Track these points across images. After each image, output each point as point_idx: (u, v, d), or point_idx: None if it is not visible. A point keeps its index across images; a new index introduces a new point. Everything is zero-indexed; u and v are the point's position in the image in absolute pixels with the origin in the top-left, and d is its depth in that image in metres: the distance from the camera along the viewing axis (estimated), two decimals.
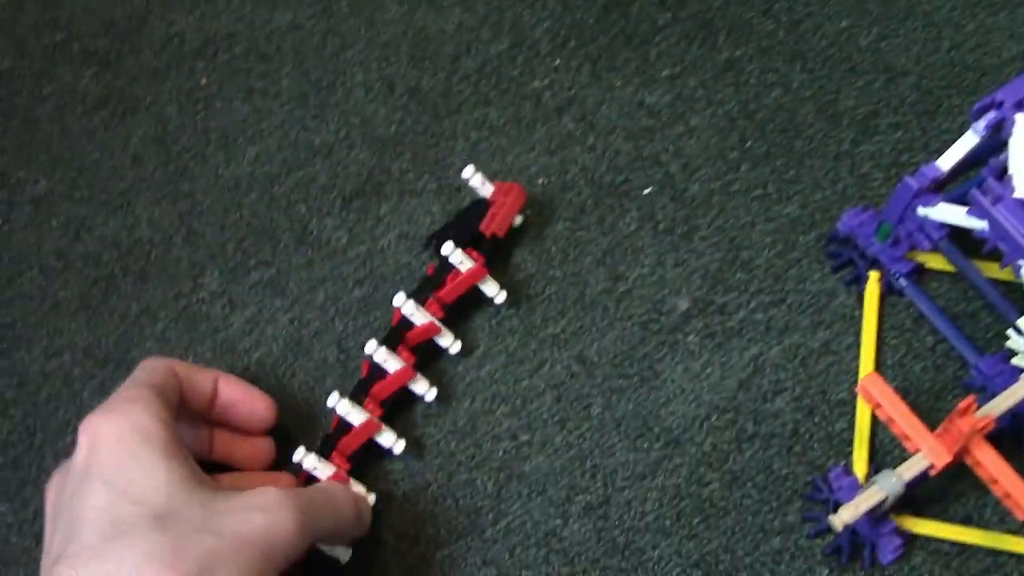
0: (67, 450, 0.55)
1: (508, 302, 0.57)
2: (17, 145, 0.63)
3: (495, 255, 0.57)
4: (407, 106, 0.63)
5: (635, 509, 0.53)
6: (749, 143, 0.61)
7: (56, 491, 0.45)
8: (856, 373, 0.55)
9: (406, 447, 0.53)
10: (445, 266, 0.55)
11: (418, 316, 0.54)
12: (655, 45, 0.64)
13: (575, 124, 0.62)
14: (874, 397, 0.49)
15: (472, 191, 0.57)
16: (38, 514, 0.54)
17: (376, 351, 0.53)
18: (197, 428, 0.51)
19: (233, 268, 0.59)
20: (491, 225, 0.56)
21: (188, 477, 0.43)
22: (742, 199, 0.60)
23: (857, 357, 0.56)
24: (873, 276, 0.57)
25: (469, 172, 0.55)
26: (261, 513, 0.42)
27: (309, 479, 0.51)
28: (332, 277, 0.59)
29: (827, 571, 0.52)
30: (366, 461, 0.53)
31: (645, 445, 0.55)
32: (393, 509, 0.53)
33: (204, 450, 0.51)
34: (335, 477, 0.51)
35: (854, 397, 0.55)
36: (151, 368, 0.48)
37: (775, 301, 0.57)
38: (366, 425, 0.51)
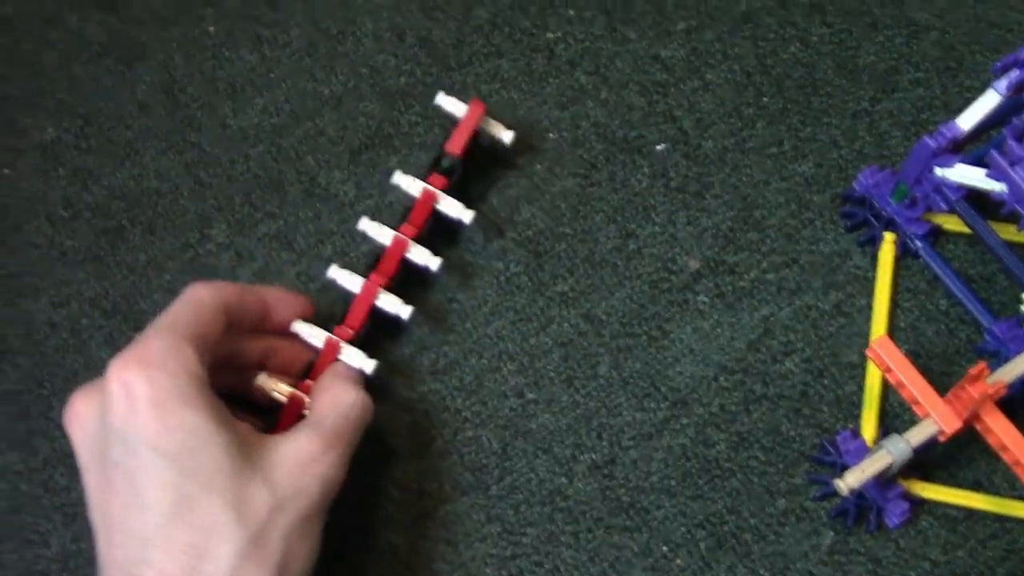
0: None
1: (517, 258, 0.57)
2: (23, 92, 0.62)
3: (464, 176, 0.56)
4: (417, 57, 0.62)
5: (641, 469, 0.53)
6: (765, 99, 0.60)
7: (89, 431, 0.44)
8: (868, 336, 0.55)
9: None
10: (409, 198, 0.55)
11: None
12: None
13: (588, 78, 0.61)
14: (884, 361, 0.49)
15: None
16: (47, 462, 0.54)
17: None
18: (246, 343, 0.51)
19: (240, 220, 0.59)
20: (448, 144, 0.55)
21: (239, 441, 0.43)
22: (756, 157, 0.59)
23: (869, 319, 0.55)
24: (888, 237, 0.56)
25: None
26: (318, 480, 0.45)
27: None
28: (340, 231, 0.58)
29: (832, 534, 0.52)
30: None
31: (652, 405, 0.54)
32: (397, 463, 0.53)
33: (252, 363, 0.51)
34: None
35: (865, 360, 0.54)
36: (197, 307, 0.46)
37: (787, 261, 0.57)
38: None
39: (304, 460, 0.45)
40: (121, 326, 0.57)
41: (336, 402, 0.48)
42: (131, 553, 0.42)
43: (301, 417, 0.50)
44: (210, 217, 0.59)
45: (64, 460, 0.54)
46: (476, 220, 0.55)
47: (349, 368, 0.51)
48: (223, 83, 0.62)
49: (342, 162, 0.60)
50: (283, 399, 0.50)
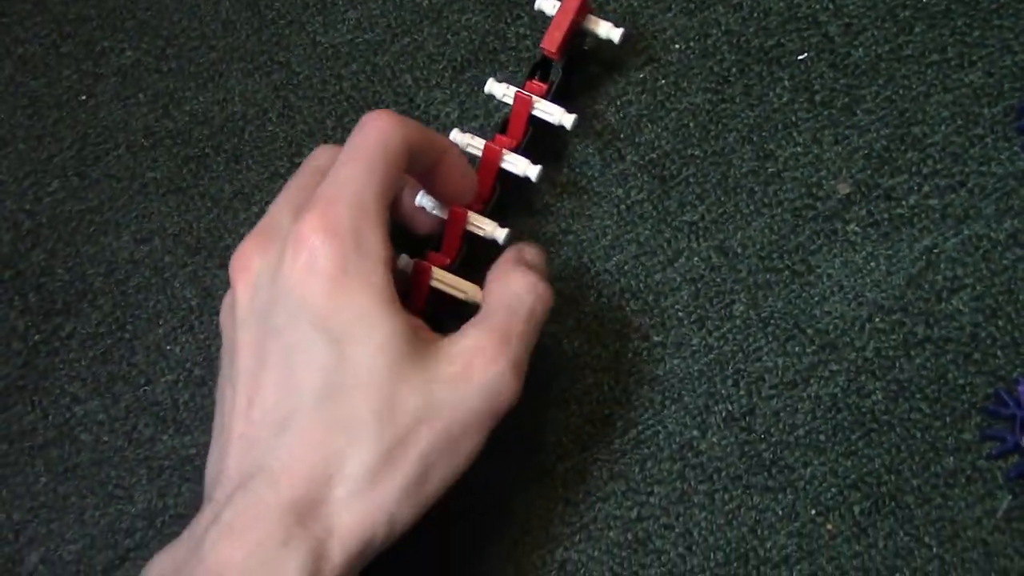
0: (158, 344, 0.51)
1: (640, 184, 0.50)
2: (101, 12, 0.57)
3: (571, 87, 0.51)
4: None
5: (784, 421, 0.47)
6: None
7: (257, 285, 0.40)
8: None
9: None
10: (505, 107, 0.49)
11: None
12: None
13: None
14: None
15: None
16: (130, 411, 0.50)
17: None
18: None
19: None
20: (543, 42, 0.49)
21: (406, 336, 0.39)
22: (915, 65, 0.51)
23: None
24: None
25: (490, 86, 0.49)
26: (481, 391, 0.39)
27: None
28: None
29: (1010, 497, 0.45)
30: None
31: (796, 349, 0.48)
32: (510, 414, 0.48)
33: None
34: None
35: None
36: (385, 155, 0.40)
37: (953, 185, 0.49)
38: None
39: (468, 364, 0.39)
40: (206, 263, 0.52)
41: (511, 296, 0.42)
42: (262, 434, 0.38)
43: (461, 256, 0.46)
44: (300, 143, 0.54)
45: (149, 409, 0.50)
46: (588, 135, 0.49)
47: (523, 253, 0.45)
48: None
49: (443, 80, 0.54)
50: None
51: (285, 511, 0.36)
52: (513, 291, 0.42)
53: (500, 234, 0.46)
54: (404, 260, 0.46)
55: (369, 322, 0.38)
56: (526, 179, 0.48)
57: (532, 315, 0.42)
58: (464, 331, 0.41)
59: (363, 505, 0.37)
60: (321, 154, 0.45)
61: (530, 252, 0.45)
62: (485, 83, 0.49)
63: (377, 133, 0.40)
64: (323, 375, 0.38)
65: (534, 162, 0.48)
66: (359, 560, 0.37)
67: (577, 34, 0.50)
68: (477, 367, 0.39)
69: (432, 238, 0.48)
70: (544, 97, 0.49)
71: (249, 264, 0.41)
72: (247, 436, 0.38)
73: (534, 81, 0.49)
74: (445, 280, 0.46)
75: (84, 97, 0.56)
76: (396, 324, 0.39)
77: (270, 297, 0.39)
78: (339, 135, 0.53)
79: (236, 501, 0.37)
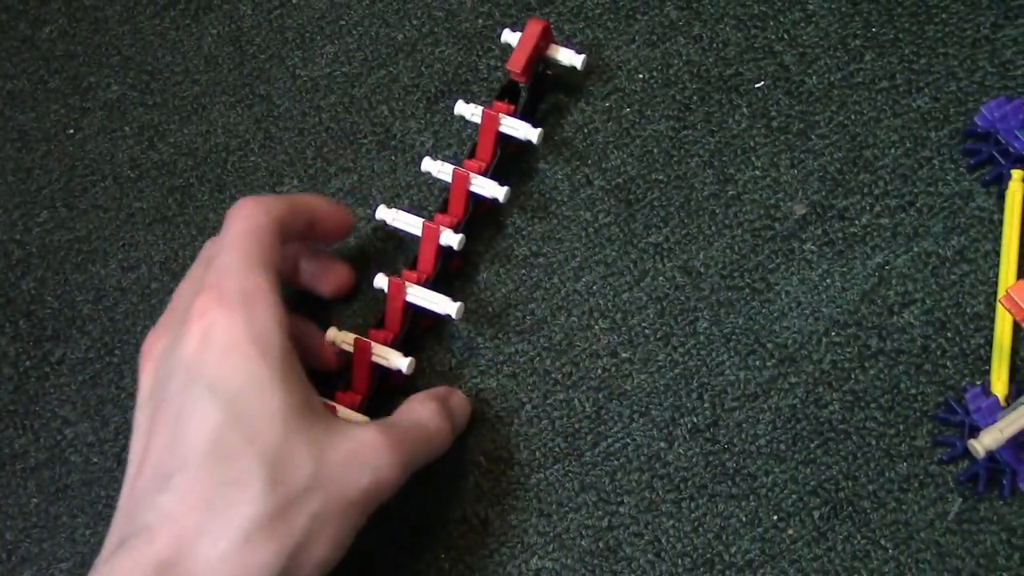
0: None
1: (607, 208, 0.53)
2: (87, 48, 0.60)
3: (535, 100, 0.53)
4: None
5: (746, 431, 0.49)
6: (874, 29, 0.55)
7: (157, 366, 0.42)
8: (995, 283, 0.50)
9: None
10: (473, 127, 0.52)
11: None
12: None
13: (679, 12, 0.57)
14: (1022, 308, 0.44)
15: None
16: (119, 432, 0.52)
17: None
18: (287, 255, 0.48)
19: (313, 175, 0.55)
20: (509, 63, 0.51)
21: (302, 404, 0.40)
22: (866, 92, 0.54)
23: (996, 265, 0.50)
24: (1016, 175, 0.51)
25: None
26: (371, 471, 0.40)
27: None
28: (417, 183, 0.55)
29: (961, 500, 0.47)
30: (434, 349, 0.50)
31: (757, 363, 0.50)
32: (485, 431, 0.50)
33: (290, 276, 0.50)
34: (361, 345, 0.47)
35: (992, 310, 0.49)
36: (257, 231, 0.43)
37: (903, 204, 0.52)
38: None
39: (363, 448, 0.40)
40: None
41: (415, 415, 0.45)
42: (149, 487, 0.38)
43: (372, 371, 0.47)
44: (281, 172, 0.56)
45: None
46: (557, 161, 0.51)
47: (451, 397, 0.48)
48: (292, 32, 0.59)
49: (418, 111, 0.56)
50: (350, 349, 0.47)
51: (152, 570, 0.36)
52: (422, 416, 0.45)
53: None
54: (380, 279, 0.48)
55: (263, 388, 0.39)
56: (494, 200, 0.50)
57: (429, 442, 0.44)
58: (366, 424, 0.42)
59: (233, 566, 0.37)
60: (210, 246, 0.46)
61: (456, 399, 0.48)
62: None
63: (243, 221, 0.43)
64: (213, 434, 0.38)
65: (501, 184, 0.50)
66: None
67: (541, 60, 0.53)
68: (371, 453, 0.40)
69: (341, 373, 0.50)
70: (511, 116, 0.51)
71: (151, 350, 0.42)
72: (133, 496, 0.39)
73: (501, 103, 0.52)
74: (421, 295, 0.48)
75: (71, 130, 0.58)
76: (291, 392, 0.39)
77: (167, 372, 0.40)
78: (319, 164, 0.56)
79: (113, 560, 0.37)
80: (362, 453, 0.40)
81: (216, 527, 0.37)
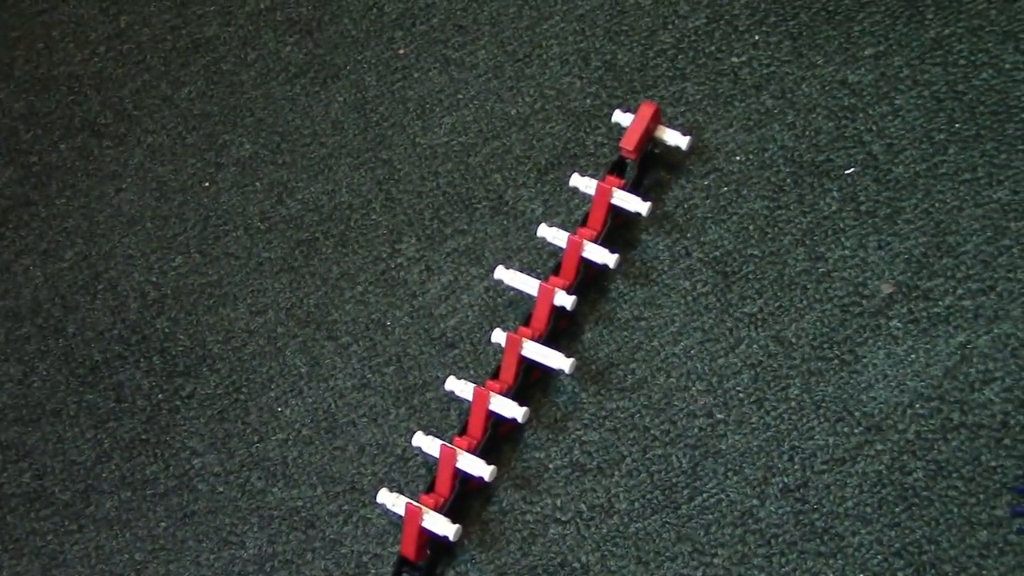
0: (270, 405, 0.57)
1: (704, 278, 0.57)
2: (223, 109, 0.65)
3: (642, 175, 0.58)
4: (603, 80, 0.63)
5: (835, 494, 0.52)
6: (957, 125, 0.59)
7: None
8: None
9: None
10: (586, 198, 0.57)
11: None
12: (858, 22, 0.62)
13: (774, 101, 0.61)
14: None
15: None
16: (243, 465, 0.56)
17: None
18: None
19: (430, 235, 0.60)
20: (622, 142, 0.56)
21: None
22: (949, 182, 0.58)
23: None
24: None
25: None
26: None
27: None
28: (527, 247, 0.59)
29: None
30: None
31: (845, 429, 0.53)
32: (587, 481, 0.54)
33: None
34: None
35: None
36: None
37: (984, 288, 0.56)
38: (513, 342, 0.53)
39: None
40: (315, 335, 0.58)
41: None
42: None
43: (487, 418, 0.51)
44: (401, 231, 0.60)
45: (261, 464, 0.56)
46: (659, 233, 0.55)
47: None
48: (413, 103, 0.64)
49: (529, 180, 0.61)
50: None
51: None
52: None
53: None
54: (498, 334, 0.53)
55: None
56: (604, 266, 0.54)
57: None
58: None
59: None
60: None
61: None
62: (568, 181, 0.56)
63: None
64: None
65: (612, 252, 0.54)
66: None
67: (650, 140, 0.57)
68: None
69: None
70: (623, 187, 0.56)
71: None
72: None
73: (613, 176, 0.56)
74: (535, 351, 0.52)
75: (207, 183, 0.63)
76: None
77: None
78: (435, 225, 0.60)
79: None
80: None
81: None
